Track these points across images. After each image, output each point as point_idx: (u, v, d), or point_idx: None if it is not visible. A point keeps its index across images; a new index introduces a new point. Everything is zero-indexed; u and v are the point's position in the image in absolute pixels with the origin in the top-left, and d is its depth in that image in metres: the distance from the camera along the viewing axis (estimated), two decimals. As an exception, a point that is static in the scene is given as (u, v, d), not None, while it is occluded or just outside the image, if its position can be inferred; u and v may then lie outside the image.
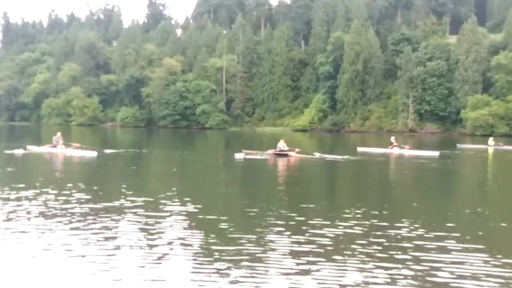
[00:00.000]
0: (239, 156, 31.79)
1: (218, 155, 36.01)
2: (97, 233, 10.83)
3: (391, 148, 38.26)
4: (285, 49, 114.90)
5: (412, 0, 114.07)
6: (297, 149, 33.28)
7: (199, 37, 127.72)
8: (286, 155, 32.39)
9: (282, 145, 33.21)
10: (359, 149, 40.07)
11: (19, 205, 13.68)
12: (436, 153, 36.59)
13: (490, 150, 45.18)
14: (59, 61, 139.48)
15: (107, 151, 34.66)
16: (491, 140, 49.59)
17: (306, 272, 8.51)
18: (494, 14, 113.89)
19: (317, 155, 32.90)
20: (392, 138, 39.91)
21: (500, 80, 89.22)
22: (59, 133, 34.57)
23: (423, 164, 30.63)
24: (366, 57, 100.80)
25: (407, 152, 37.73)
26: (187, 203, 14.70)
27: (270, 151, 33.13)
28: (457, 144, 50.72)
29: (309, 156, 32.12)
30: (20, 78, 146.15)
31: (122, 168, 26.84)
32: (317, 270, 8.61)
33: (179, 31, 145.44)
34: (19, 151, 31.71)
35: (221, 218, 12.56)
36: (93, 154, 30.98)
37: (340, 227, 11.68)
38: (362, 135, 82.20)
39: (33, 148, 33.82)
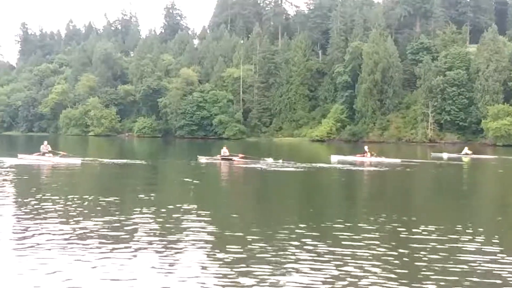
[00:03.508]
0: (202, 159, 36.78)
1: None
2: (104, 236, 11.20)
3: (364, 156, 40.82)
4: (303, 59, 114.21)
5: (431, 9, 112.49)
6: (240, 154, 37.41)
7: (216, 47, 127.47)
8: (230, 159, 36.50)
9: (224, 151, 37.39)
10: (333, 157, 42.19)
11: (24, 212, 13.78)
12: (398, 161, 39.34)
13: (465, 159, 47.43)
14: (76, 71, 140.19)
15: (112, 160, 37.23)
16: (466, 149, 50.89)
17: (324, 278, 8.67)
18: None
19: (280, 161, 35.43)
20: (366, 147, 42.84)
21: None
22: (45, 142, 36.65)
23: (391, 171, 32.71)
24: (385, 66, 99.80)
25: (378, 159, 40.16)
26: (197, 211, 14.91)
27: (218, 156, 37.38)
28: (431, 153, 52.88)
29: (254, 161, 35.41)
30: (38, 88, 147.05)
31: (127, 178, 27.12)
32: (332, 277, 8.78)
33: (196, 41, 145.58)
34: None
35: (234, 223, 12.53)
36: (78, 161, 33.33)
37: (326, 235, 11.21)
38: (381, 146, 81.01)
39: (24, 157, 35.48)
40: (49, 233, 11.64)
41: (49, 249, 10.22)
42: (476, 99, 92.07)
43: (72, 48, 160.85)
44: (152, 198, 18.23)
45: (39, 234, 11.53)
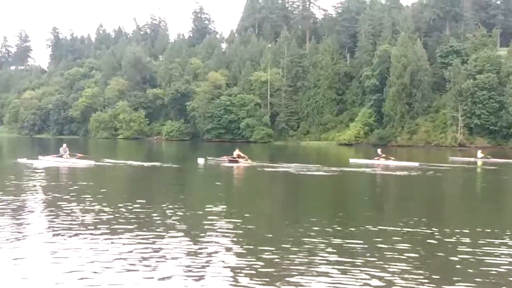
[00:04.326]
0: (201, 161, 37.84)
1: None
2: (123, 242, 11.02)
3: (378, 159, 41.12)
4: (331, 63, 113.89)
5: (461, 12, 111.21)
6: (246, 156, 38.49)
7: (244, 51, 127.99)
8: (236, 161, 37.57)
9: (236, 153, 38.44)
10: (351, 160, 43.62)
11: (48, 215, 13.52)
12: (416, 164, 38.68)
13: (479, 163, 46.15)
14: (106, 75, 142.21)
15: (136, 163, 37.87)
16: (479, 153, 49.86)
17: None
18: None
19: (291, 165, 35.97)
20: (379, 150, 43.18)
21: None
22: (64, 145, 38.43)
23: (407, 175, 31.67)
24: (414, 70, 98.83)
25: (395, 163, 40.23)
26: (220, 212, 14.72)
27: (225, 157, 38.73)
28: (449, 157, 52.19)
29: (259, 164, 36.60)
30: (68, 92, 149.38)
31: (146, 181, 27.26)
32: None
33: (224, 45, 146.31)
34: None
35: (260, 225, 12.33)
36: (91, 163, 34.45)
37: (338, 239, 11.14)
38: (409, 150, 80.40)
39: (44, 158, 37.04)
40: (72, 232, 11.93)
41: (71, 248, 10.49)
42: (507, 103, 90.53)
43: (102, 52, 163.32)
44: (178, 199, 18.41)
45: (64, 234, 11.78)
